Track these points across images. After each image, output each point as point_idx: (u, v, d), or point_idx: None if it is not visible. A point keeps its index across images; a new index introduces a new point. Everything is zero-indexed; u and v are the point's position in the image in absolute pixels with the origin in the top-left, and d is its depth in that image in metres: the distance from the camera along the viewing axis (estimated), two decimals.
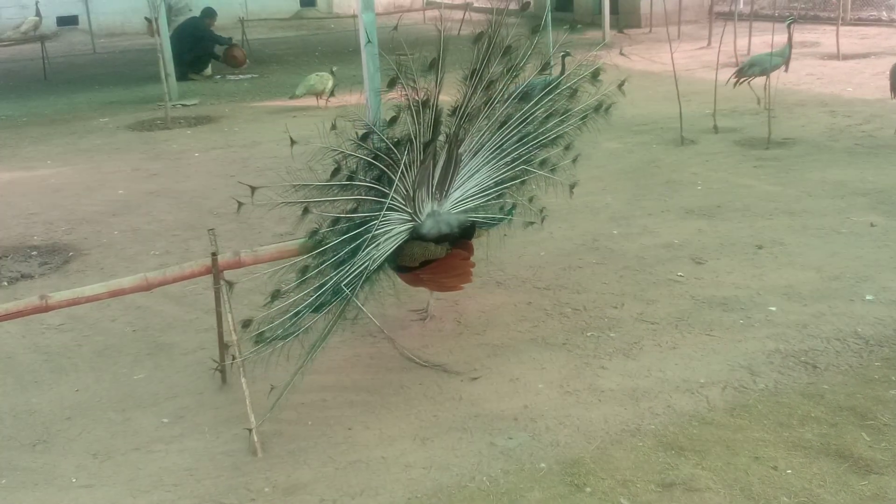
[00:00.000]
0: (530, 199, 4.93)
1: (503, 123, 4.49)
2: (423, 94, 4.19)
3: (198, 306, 5.19)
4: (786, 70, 9.32)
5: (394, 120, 4.30)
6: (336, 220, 4.13)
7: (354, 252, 3.99)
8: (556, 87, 4.67)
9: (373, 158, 4.13)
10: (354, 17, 15.94)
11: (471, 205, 4.41)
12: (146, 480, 3.53)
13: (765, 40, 13.02)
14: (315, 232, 4.08)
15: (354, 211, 4.15)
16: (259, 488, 3.43)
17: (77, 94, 13.65)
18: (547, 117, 4.65)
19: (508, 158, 4.51)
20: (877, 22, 15.82)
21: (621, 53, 8.68)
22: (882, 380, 3.93)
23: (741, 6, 15.80)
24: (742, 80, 9.18)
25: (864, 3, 17.21)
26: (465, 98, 4.37)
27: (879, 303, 4.70)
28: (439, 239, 4.14)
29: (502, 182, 4.53)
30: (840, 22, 13.21)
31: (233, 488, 3.44)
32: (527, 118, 4.55)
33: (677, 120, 8.52)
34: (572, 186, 5.12)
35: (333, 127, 4.18)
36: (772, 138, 8.06)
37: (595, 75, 4.84)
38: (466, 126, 4.37)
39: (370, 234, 3.98)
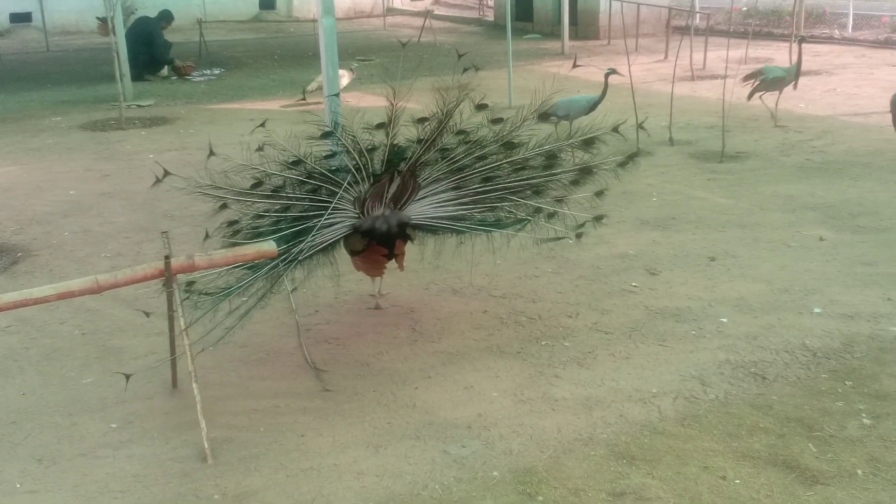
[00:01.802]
0: (549, 217, 4.69)
1: (461, 169, 4.58)
2: (367, 143, 4.45)
3: (149, 310, 5.11)
4: (794, 87, 9.37)
5: (330, 156, 4.57)
6: (286, 208, 4.40)
7: (298, 234, 4.23)
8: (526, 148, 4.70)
9: (306, 177, 4.40)
10: (314, 21, 15.91)
11: (436, 213, 4.47)
12: (92, 486, 3.47)
13: (720, 55, 13.23)
14: (234, 222, 4.41)
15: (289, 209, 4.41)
16: (209, 495, 3.39)
17: (29, 93, 13.40)
18: (517, 170, 4.66)
19: (473, 194, 4.55)
20: (829, 40, 16.15)
21: (575, 66, 8.63)
22: (829, 392, 4.00)
23: (697, 21, 16.04)
24: (755, 91, 9.27)
25: (817, 21, 17.56)
26: (416, 154, 4.48)
27: (827, 316, 4.79)
28: (375, 234, 4.35)
29: (475, 205, 4.57)
30: (793, 39, 13.47)
31: (181, 495, 3.39)
32: (492, 166, 4.61)
33: (633, 132, 8.60)
34: (579, 235, 4.93)
35: (260, 149, 4.44)
36: (725, 152, 8.19)
37: (588, 143, 4.82)
38: (420, 167, 4.50)
39: (314, 225, 4.24)
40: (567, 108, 8.25)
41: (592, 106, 8.16)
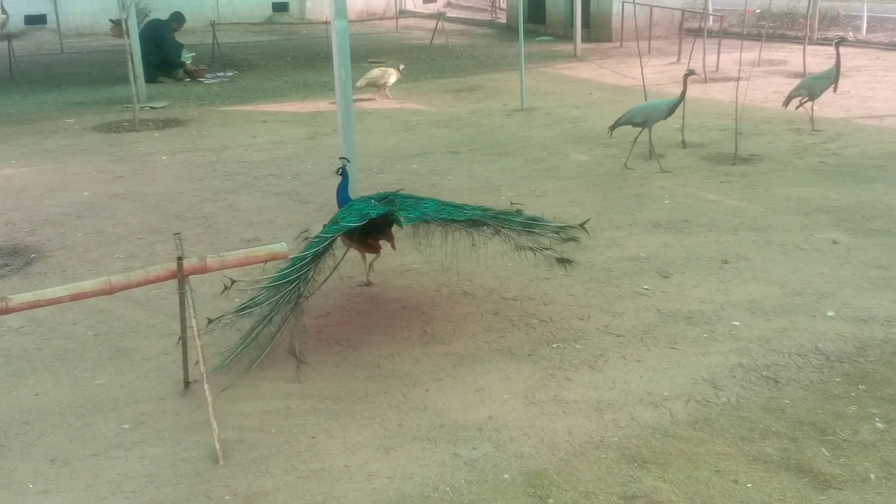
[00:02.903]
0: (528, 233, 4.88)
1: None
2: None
3: (162, 311, 5.14)
4: (834, 90, 9.20)
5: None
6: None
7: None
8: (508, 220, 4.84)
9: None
10: (327, 23, 15.93)
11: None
12: (104, 487, 3.48)
13: (733, 57, 13.20)
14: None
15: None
16: (220, 496, 3.40)
17: (43, 94, 13.48)
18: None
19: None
20: (843, 42, 16.06)
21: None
22: (842, 395, 3.98)
23: (711, 23, 16.00)
24: (796, 102, 9.09)
25: (831, 23, 17.49)
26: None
27: (840, 319, 4.76)
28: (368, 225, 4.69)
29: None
30: (807, 41, 13.42)
31: (193, 496, 3.40)
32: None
33: (646, 134, 8.59)
34: (563, 262, 4.91)
35: (225, 288, 4.58)
36: (738, 154, 8.16)
37: (566, 237, 4.90)
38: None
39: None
40: (645, 113, 8.06)
41: (671, 109, 7.92)
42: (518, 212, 4.96)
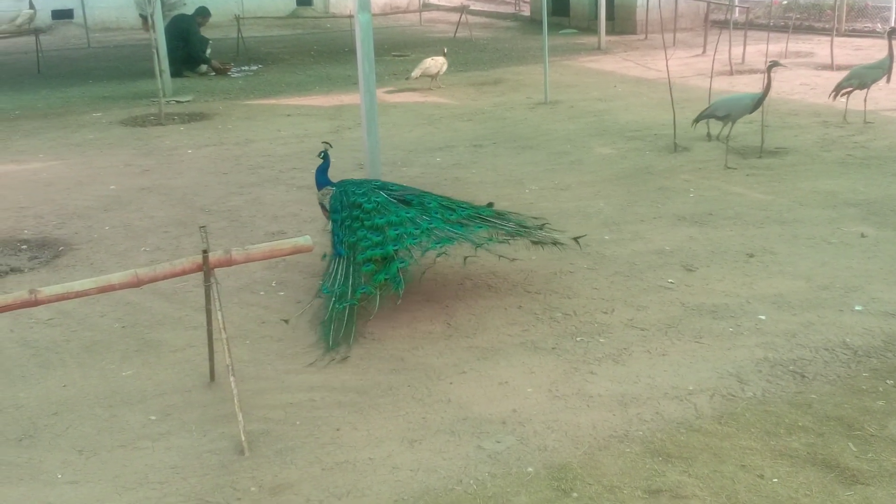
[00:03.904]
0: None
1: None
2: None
3: (188, 303, 5.18)
4: (888, 80, 8.95)
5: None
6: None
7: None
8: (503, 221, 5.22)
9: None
10: (351, 17, 15.93)
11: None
12: (132, 477, 3.52)
13: (759, 49, 13.08)
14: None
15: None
16: (245, 487, 3.42)
17: (70, 89, 13.61)
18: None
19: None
20: (871, 33, 15.88)
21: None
22: (870, 390, 3.94)
23: (736, 15, 15.86)
24: (843, 92, 8.93)
25: (859, 15, 17.29)
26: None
27: (868, 313, 4.71)
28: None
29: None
30: (835, 33, 13.27)
31: (219, 487, 3.43)
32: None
33: (671, 127, 8.55)
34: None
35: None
36: (764, 147, 8.09)
37: (554, 242, 5.22)
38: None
39: None
40: (728, 107, 7.91)
41: (756, 103, 7.71)
42: (500, 213, 5.30)
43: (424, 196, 5.31)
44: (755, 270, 5.36)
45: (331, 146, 5.79)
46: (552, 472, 3.43)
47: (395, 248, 4.77)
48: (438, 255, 4.89)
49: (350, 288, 4.73)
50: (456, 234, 4.90)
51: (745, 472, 3.38)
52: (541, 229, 5.26)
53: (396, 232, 4.85)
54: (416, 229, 4.86)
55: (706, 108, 8.13)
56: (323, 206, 5.70)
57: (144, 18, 19.97)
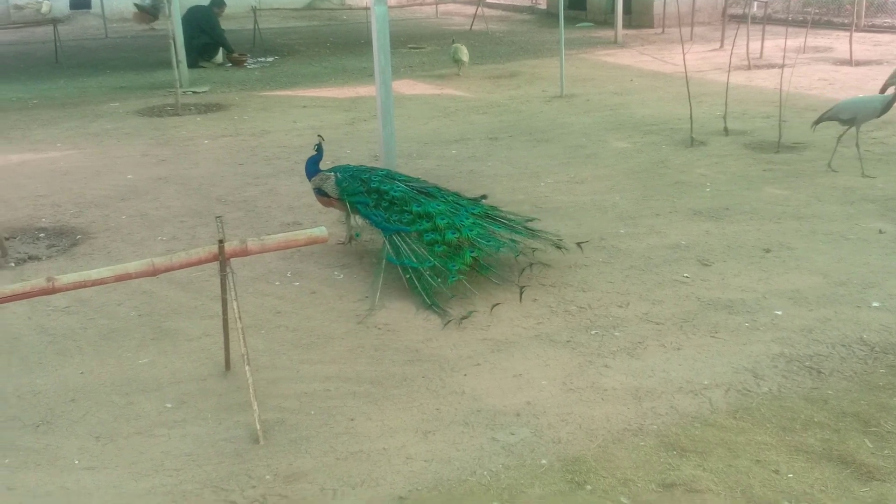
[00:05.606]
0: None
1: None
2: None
3: (203, 293, 5.20)
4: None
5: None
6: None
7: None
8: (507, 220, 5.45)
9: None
10: (366, 9, 15.91)
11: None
12: (148, 464, 3.54)
13: (778, 44, 13.00)
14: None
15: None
16: (260, 475, 3.44)
17: (88, 78, 13.67)
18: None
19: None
20: (890, 28, 15.76)
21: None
22: (887, 387, 3.92)
23: (755, 9, 15.76)
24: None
25: (879, 10, 17.16)
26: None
27: (886, 310, 4.69)
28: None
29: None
30: (853, 28, 13.18)
31: (234, 475, 3.45)
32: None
33: (687, 121, 8.51)
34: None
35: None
36: (782, 142, 8.04)
37: (557, 245, 5.42)
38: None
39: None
40: (854, 109, 7.24)
41: (886, 106, 7.04)
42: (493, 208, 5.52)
43: (429, 186, 5.53)
44: (772, 265, 5.34)
45: (324, 139, 5.94)
46: (566, 465, 3.43)
47: (456, 235, 5.03)
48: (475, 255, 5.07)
49: (421, 257, 4.98)
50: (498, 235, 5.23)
51: (760, 467, 3.37)
52: (533, 232, 5.41)
53: (445, 221, 5.09)
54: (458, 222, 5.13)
55: (828, 110, 7.48)
56: (322, 192, 5.78)
57: (140, 9, 20.01)
